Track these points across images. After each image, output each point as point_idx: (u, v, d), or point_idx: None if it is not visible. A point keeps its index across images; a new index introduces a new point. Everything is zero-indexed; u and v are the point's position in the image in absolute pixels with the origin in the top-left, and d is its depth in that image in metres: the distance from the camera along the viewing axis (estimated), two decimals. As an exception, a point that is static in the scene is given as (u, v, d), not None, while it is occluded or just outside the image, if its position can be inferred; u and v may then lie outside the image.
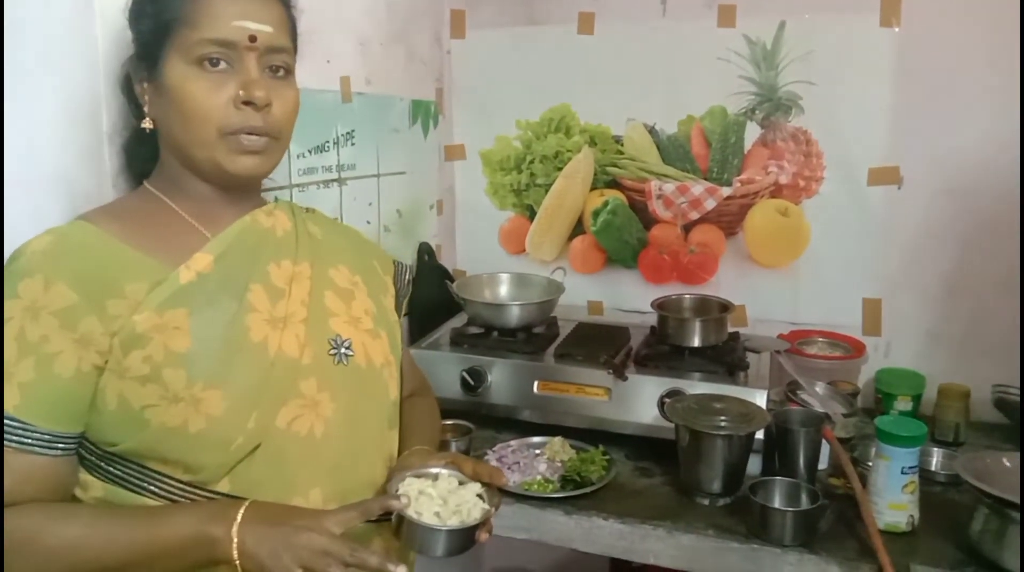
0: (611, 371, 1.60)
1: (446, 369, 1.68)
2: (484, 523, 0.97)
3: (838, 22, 1.83)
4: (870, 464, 1.38)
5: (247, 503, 0.89)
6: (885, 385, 1.80)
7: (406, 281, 1.26)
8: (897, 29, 1.78)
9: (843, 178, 1.89)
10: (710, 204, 2.02)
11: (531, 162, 2.16)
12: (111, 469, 0.92)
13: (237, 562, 0.85)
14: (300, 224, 1.10)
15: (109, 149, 1.10)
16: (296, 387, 0.97)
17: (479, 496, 1.01)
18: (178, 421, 0.89)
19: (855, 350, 1.86)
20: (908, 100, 1.80)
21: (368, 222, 1.86)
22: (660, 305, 1.77)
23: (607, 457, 1.52)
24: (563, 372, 1.65)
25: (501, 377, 1.67)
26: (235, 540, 0.85)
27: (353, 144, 1.78)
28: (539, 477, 1.48)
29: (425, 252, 2.09)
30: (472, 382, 1.66)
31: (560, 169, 2.13)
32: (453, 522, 0.96)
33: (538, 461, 1.52)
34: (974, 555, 1.23)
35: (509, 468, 1.51)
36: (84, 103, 1.08)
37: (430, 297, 2.01)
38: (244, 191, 1.04)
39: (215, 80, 0.93)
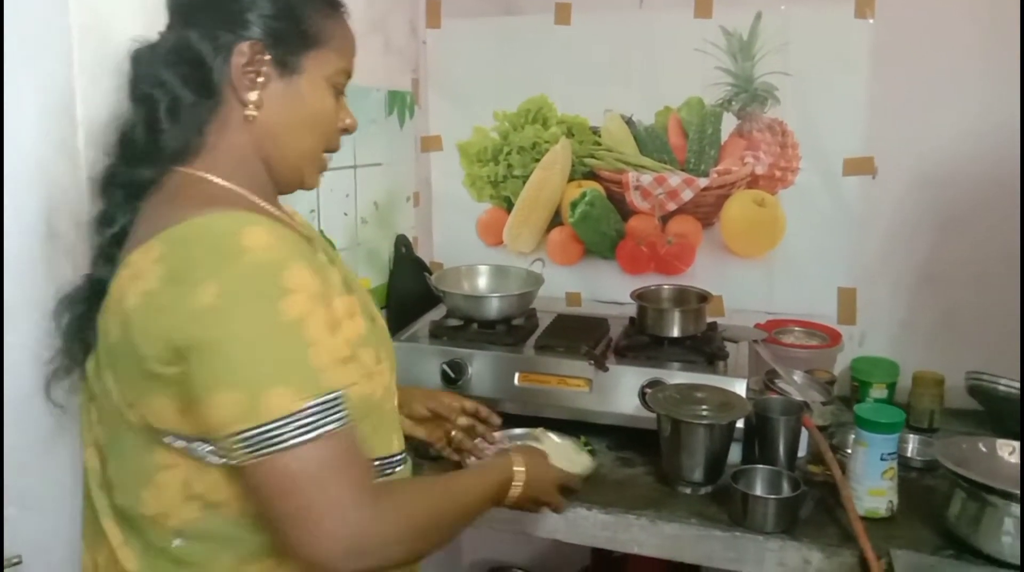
0: (592, 362, 1.60)
1: (426, 362, 1.67)
2: None
3: (813, 13, 1.84)
4: (848, 451, 1.39)
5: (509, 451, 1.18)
6: (861, 373, 1.82)
7: None
8: (872, 20, 1.80)
9: (818, 168, 1.91)
10: (687, 195, 2.03)
11: (508, 153, 2.15)
12: None
13: (521, 489, 1.11)
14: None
15: (84, 138, 1.07)
16: (390, 351, 1.08)
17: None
18: (368, 393, 0.96)
19: (831, 339, 1.88)
20: (883, 91, 1.81)
21: (345, 214, 1.84)
22: (639, 296, 1.77)
23: (589, 448, 1.52)
24: (544, 364, 1.64)
25: (481, 369, 1.66)
26: (523, 469, 1.11)
27: (329, 135, 1.75)
28: (521, 469, 1.47)
29: (402, 244, 2.08)
30: (452, 375, 1.65)
31: (537, 160, 2.12)
32: (584, 461, 1.38)
33: (520, 453, 1.52)
34: (952, 539, 1.25)
35: (491, 460, 1.50)
36: (59, 93, 1.05)
37: (408, 290, 2.00)
38: None
39: (336, 105, 1.03)
